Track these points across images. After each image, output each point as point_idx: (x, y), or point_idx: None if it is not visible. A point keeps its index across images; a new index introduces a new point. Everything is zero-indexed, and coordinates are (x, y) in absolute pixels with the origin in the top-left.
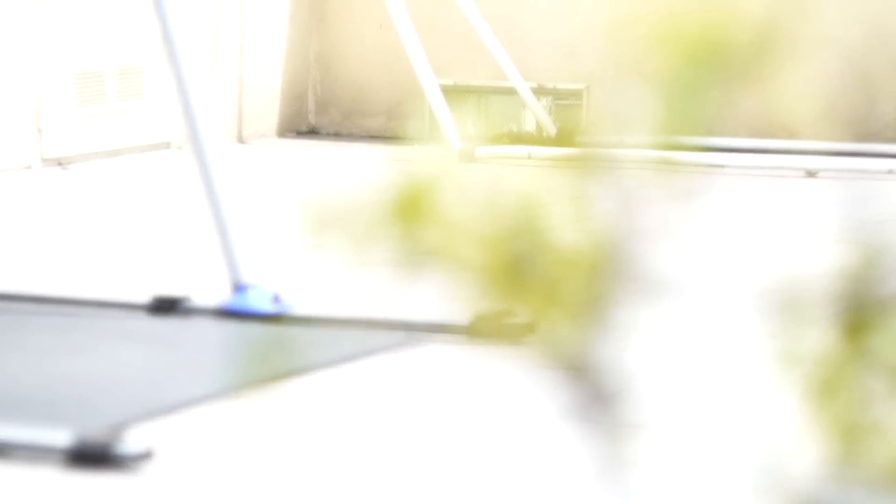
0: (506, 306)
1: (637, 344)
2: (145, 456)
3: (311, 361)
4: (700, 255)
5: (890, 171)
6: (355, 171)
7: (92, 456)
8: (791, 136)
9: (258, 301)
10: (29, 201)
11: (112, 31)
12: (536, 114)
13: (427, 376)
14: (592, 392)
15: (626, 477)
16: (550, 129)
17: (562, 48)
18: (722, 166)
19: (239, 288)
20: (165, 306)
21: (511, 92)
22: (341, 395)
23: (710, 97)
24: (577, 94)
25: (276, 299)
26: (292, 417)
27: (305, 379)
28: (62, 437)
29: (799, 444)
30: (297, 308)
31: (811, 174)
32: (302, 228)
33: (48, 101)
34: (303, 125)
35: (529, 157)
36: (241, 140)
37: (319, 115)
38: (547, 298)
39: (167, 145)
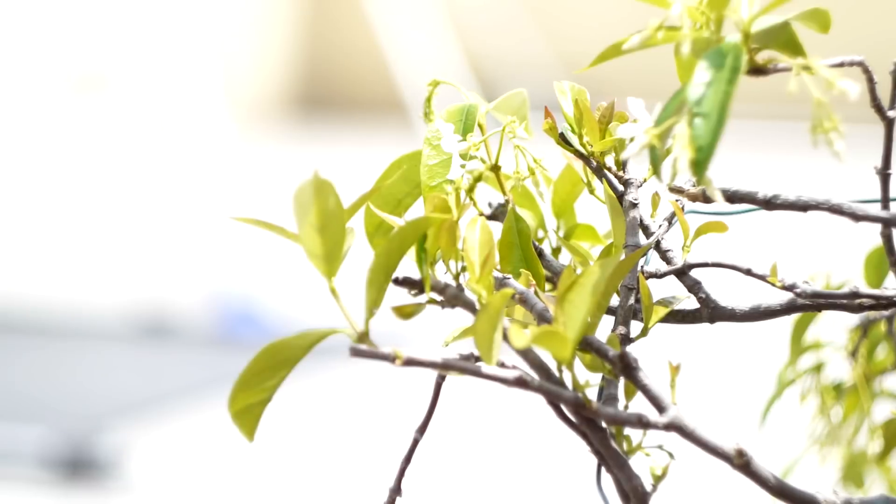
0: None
1: (646, 356)
2: (121, 461)
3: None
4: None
5: None
6: (360, 161)
7: (68, 461)
8: None
9: (247, 314)
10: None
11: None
12: None
13: (422, 378)
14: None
15: (632, 478)
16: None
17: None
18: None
19: (229, 302)
20: (150, 318)
21: None
22: (334, 397)
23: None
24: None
25: (253, 316)
26: (280, 420)
27: (295, 383)
28: (39, 442)
29: (807, 458)
30: (286, 321)
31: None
32: (302, 229)
33: None
34: (307, 115)
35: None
36: (238, 131)
37: (324, 105)
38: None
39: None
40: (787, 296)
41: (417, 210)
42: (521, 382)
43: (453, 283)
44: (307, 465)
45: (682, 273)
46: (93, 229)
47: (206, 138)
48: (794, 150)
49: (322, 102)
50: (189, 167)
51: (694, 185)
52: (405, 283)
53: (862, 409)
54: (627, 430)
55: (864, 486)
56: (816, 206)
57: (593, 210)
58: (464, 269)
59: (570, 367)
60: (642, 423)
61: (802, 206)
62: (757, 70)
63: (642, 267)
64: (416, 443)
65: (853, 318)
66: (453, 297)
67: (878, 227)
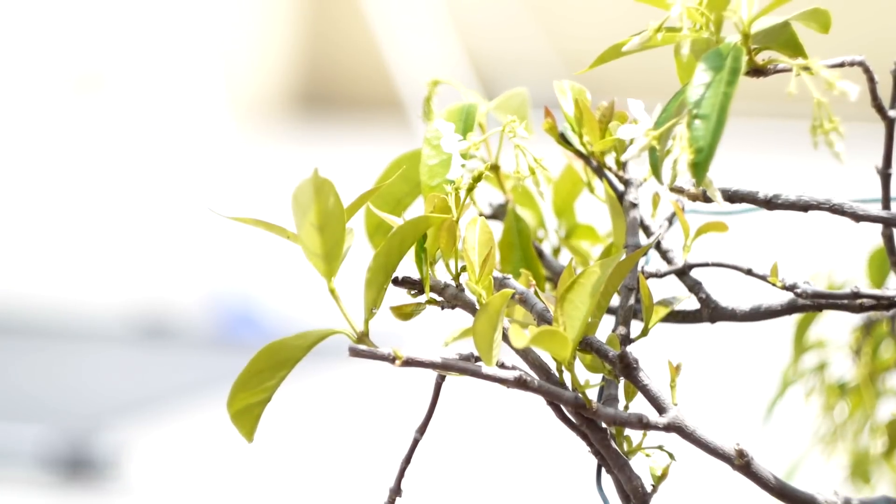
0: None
1: (647, 356)
2: (120, 461)
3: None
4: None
5: None
6: (359, 160)
7: (67, 461)
8: None
9: (246, 315)
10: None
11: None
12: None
13: (422, 379)
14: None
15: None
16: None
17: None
18: None
19: (228, 303)
20: (149, 319)
21: None
22: (333, 398)
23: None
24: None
25: (254, 318)
26: (280, 420)
27: (295, 383)
28: (38, 442)
29: (812, 462)
30: (285, 321)
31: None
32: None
33: None
34: (306, 114)
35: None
36: (237, 130)
37: (324, 104)
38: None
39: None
40: (787, 296)
41: (417, 210)
42: (520, 383)
43: (453, 284)
44: (307, 465)
45: (682, 273)
46: (92, 229)
47: (206, 137)
48: (794, 149)
49: (322, 101)
50: (188, 166)
51: (694, 185)
52: (405, 283)
53: (866, 408)
54: (627, 431)
55: (871, 483)
56: (817, 206)
57: (593, 210)
58: (463, 269)
59: (570, 367)
60: (643, 423)
61: (803, 206)
62: (757, 71)
63: (642, 267)
64: (415, 443)
65: (856, 317)
66: (453, 298)
67: (879, 226)
